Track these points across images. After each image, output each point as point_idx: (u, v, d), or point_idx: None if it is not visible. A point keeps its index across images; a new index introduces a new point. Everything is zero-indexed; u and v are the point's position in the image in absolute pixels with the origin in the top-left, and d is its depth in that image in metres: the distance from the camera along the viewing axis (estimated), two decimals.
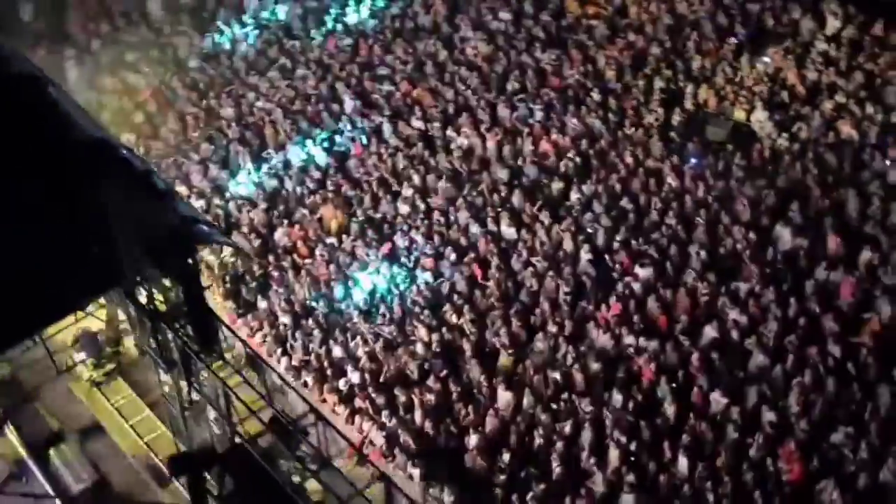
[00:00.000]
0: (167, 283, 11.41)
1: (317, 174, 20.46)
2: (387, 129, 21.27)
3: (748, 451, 14.33)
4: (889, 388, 14.65)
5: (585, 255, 17.60)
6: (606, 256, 17.58)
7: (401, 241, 18.50)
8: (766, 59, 21.31)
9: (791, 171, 18.63)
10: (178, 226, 11.03)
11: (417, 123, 21.25)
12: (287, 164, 20.89)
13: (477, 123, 20.90)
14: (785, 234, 17.36)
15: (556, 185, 19.16)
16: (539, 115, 20.83)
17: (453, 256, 17.97)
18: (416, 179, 19.77)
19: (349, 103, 22.05)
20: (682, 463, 14.30)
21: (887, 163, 18.31)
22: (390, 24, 24.61)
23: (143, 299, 11.96)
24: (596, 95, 20.95)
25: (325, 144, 21.13)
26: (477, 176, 19.77)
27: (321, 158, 20.90)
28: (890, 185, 17.97)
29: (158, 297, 11.67)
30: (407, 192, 19.53)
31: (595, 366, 15.83)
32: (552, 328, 16.52)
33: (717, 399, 14.99)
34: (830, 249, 17.01)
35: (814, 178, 18.36)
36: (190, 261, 11.22)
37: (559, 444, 14.85)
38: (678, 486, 14.12)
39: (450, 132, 20.82)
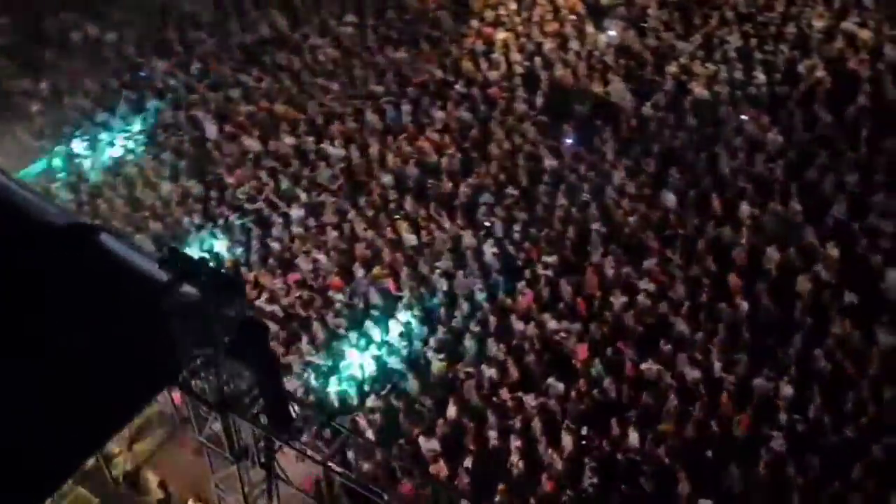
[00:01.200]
0: (239, 370, 10.96)
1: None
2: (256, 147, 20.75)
3: (691, 413, 15.13)
4: (801, 332, 15.83)
5: (490, 249, 17.92)
6: (510, 247, 17.93)
7: (305, 265, 18.14)
8: (610, 31, 22.18)
9: (660, 136, 19.61)
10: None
11: (289, 140, 20.74)
12: None
13: (348, 131, 20.69)
14: (670, 198, 18.33)
15: (443, 184, 19.32)
16: (408, 114, 20.87)
17: (361, 272, 17.81)
18: (304, 197, 19.38)
19: (210, 128, 21.25)
20: (633, 436, 14.93)
21: (743, 118, 19.59)
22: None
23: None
24: (460, 87, 21.21)
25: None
26: (362, 185, 19.62)
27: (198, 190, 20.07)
28: (750, 139, 19.30)
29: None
30: (297, 212, 19.11)
31: (529, 357, 16.21)
32: (475, 327, 16.78)
33: (650, 367, 15.69)
34: (715, 207, 18.13)
35: (683, 140, 19.44)
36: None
37: (514, 440, 15.16)
38: (636, 461, 14.76)
39: (324, 144, 20.49)
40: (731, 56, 20.98)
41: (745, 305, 16.20)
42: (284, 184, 19.70)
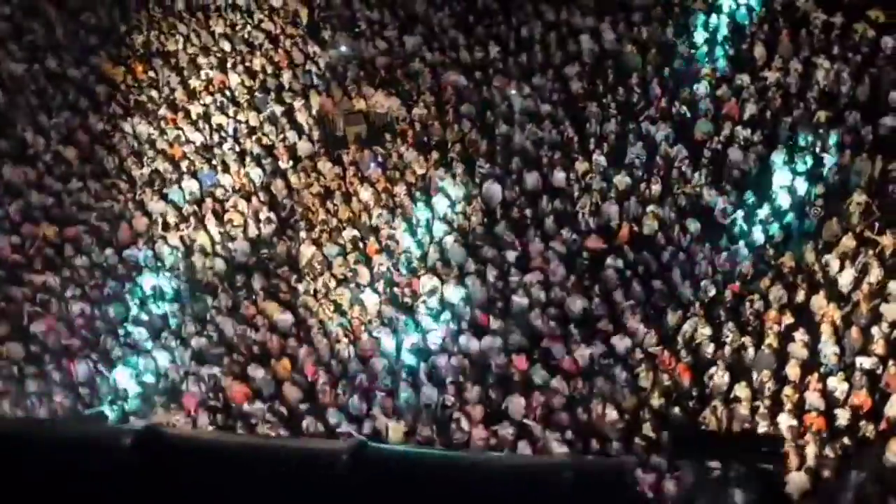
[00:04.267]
0: None
1: None
2: None
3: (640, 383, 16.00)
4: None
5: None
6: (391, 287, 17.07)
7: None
8: (341, 47, 21.45)
9: (449, 133, 19.73)
10: None
11: None
12: None
13: None
14: (495, 191, 18.69)
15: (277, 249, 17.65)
16: None
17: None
18: None
19: None
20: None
21: (512, 92, 20.41)
22: None
23: None
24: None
25: None
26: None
27: None
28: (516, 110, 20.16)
29: None
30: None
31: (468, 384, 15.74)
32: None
33: (583, 354, 15.85)
34: (529, 183, 18.82)
35: (467, 132, 19.73)
36: None
37: None
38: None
39: None
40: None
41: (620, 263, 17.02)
42: None
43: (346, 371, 15.42)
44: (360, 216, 17.90)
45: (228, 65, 21.16)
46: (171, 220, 17.86)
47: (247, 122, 19.86)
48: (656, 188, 17.96)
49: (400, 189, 18.20)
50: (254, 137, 19.50)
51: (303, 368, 15.42)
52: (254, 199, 18.16)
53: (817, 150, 18.28)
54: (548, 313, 16.08)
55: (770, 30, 20.62)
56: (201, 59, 21.30)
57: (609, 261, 16.69)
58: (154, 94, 20.66)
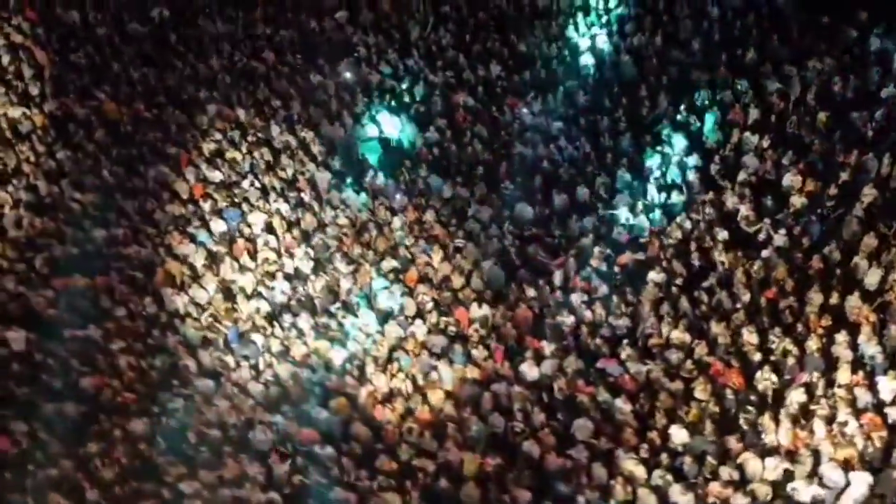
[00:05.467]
0: None
1: None
2: None
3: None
4: None
5: None
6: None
7: None
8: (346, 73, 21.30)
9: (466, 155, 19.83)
10: None
11: None
12: None
13: None
14: (525, 211, 18.74)
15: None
16: None
17: None
18: None
19: None
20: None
21: (523, 110, 20.56)
22: None
23: None
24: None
25: None
26: None
27: None
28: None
29: None
30: None
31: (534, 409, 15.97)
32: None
33: (639, 371, 16.04)
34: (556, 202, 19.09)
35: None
36: None
37: None
38: None
39: None
40: None
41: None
42: None
43: (409, 406, 15.39)
44: (394, 246, 17.85)
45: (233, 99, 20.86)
46: (203, 261, 17.53)
47: (262, 156, 19.59)
48: (681, 198, 18.31)
49: (429, 216, 18.22)
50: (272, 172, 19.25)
51: (366, 406, 15.33)
52: (287, 235, 17.90)
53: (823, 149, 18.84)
54: (597, 332, 16.32)
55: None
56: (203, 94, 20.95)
57: (651, 274, 16.96)
58: (160, 133, 20.20)
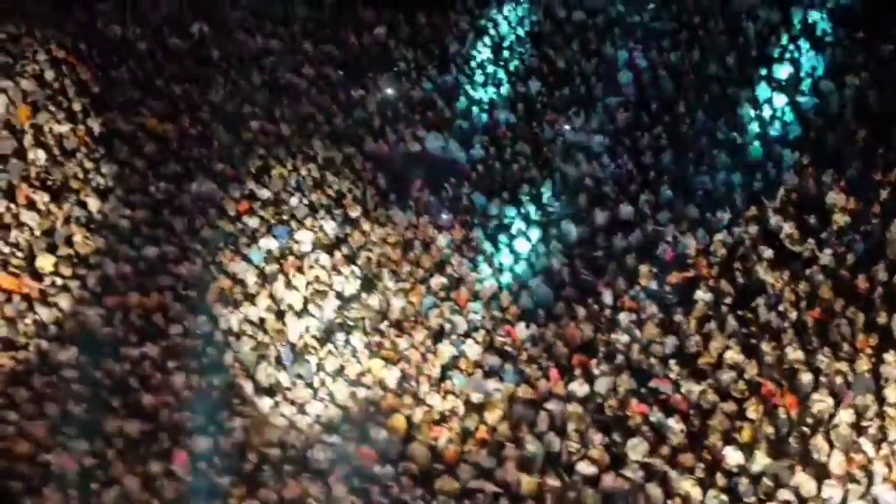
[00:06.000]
0: None
1: None
2: None
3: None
4: None
5: None
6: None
7: None
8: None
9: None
10: None
11: None
12: None
13: None
14: (570, 230, 18.98)
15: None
16: None
17: None
18: None
19: None
20: None
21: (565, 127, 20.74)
22: None
23: None
24: None
25: None
26: None
27: None
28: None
29: None
30: None
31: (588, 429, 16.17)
32: None
33: (691, 391, 15.98)
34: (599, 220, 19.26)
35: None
36: None
37: None
38: None
39: None
40: None
41: None
42: None
43: (465, 425, 15.55)
44: (442, 264, 18.02)
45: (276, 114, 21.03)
46: (254, 279, 17.69)
47: (309, 173, 19.76)
48: (725, 216, 18.43)
49: (477, 234, 18.38)
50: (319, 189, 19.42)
51: (422, 426, 15.49)
52: (336, 252, 18.06)
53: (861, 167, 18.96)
54: (648, 352, 16.46)
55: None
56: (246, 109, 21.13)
57: (699, 293, 17.08)
58: (205, 150, 20.37)
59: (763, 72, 21.41)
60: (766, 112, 20.40)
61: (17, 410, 15.22)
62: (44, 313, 16.81)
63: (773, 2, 22.86)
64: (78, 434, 15.01)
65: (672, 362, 16.17)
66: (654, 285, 17.45)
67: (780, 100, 20.60)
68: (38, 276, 17.51)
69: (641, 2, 22.94)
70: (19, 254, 17.87)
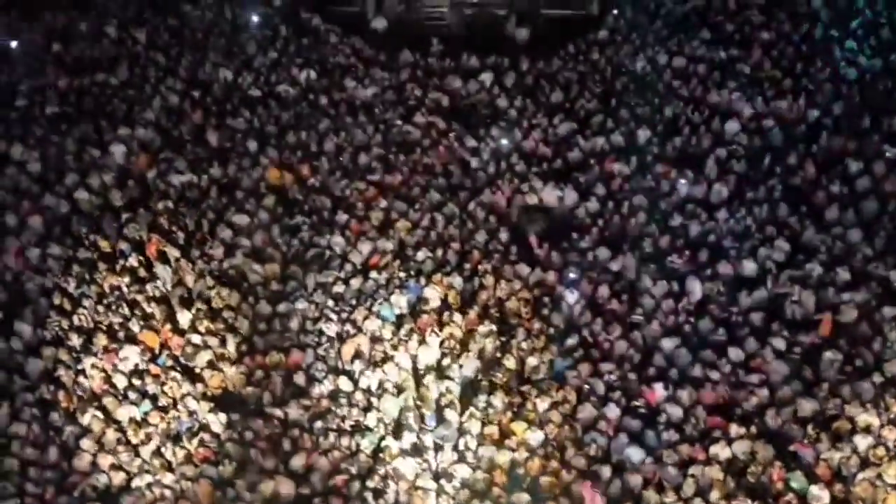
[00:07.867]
0: None
1: None
2: None
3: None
4: None
5: None
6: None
7: None
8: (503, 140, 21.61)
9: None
10: None
11: None
12: None
13: None
14: (695, 286, 18.98)
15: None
16: None
17: None
18: None
19: None
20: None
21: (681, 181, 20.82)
22: None
23: None
24: None
25: None
26: None
27: None
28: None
29: None
30: None
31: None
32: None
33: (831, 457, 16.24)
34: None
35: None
36: None
37: None
38: None
39: None
40: None
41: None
42: None
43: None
44: (570, 322, 18.20)
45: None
46: (390, 337, 17.92)
47: (432, 225, 19.92)
48: (846, 275, 18.54)
49: (603, 291, 18.56)
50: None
51: (570, 488, 15.73)
52: (469, 310, 18.26)
53: None
54: (780, 414, 16.61)
55: None
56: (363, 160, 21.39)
57: (828, 354, 17.21)
58: (326, 199, 20.60)
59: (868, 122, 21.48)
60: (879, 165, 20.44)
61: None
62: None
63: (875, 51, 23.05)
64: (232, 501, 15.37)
65: (809, 426, 16.32)
66: (782, 345, 17.54)
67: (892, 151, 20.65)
68: (179, 331, 17.80)
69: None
70: (157, 309, 18.15)
